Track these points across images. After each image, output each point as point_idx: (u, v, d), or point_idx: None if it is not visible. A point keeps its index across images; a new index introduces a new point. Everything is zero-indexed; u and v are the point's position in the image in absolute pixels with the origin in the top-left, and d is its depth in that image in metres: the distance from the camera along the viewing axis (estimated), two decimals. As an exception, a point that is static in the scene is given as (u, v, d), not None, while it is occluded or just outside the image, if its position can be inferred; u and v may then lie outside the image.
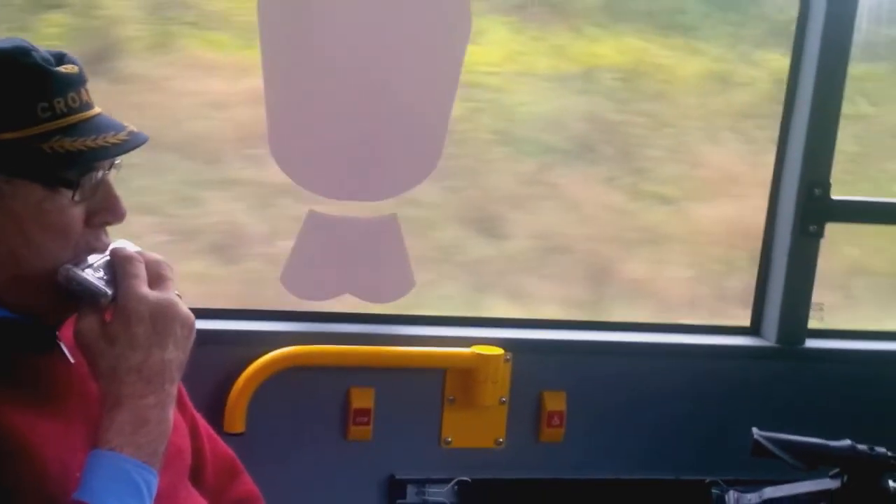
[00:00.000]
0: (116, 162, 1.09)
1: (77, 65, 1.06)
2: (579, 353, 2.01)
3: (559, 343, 2.01)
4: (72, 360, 1.09)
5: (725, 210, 2.32)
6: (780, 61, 2.18)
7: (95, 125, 1.05)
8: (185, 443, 1.21)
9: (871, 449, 1.50)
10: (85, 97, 1.06)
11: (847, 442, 1.51)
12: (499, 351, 1.90)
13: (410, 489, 1.93)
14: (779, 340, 2.10)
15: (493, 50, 2.10)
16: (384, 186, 1.88)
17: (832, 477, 1.51)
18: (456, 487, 1.94)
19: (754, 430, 1.56)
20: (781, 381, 2.08)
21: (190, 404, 1.29)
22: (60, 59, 1.06)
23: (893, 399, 2.04)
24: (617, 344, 2.04)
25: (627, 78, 2.25)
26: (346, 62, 1.79)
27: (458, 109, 1.86)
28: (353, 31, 1.79)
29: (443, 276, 2.13)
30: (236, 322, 1.88)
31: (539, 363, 1.96)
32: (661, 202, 2.25)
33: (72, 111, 1.03)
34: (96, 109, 1.08)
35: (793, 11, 2.06)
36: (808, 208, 2.05)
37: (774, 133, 2.10)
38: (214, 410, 1.75)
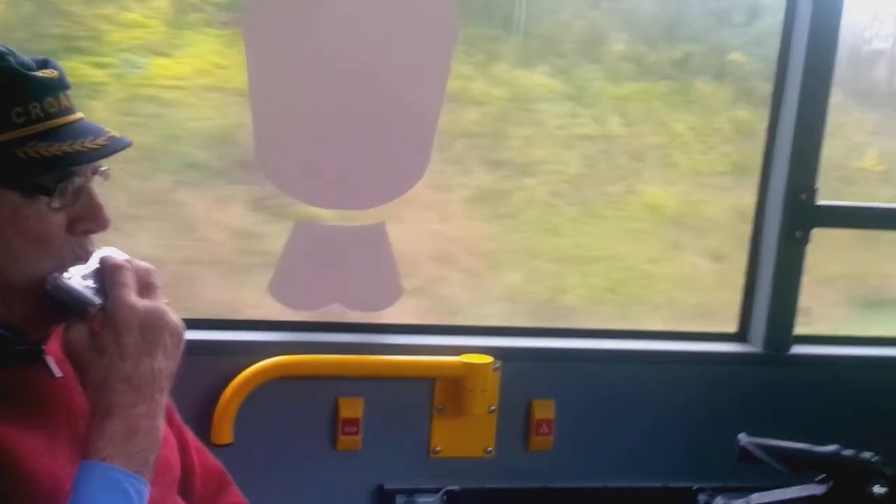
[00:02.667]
0: (102, 169, 1.08)
1: (58, 70, 1.05)
2: (567, 362, 2.01)
3: (547, 351, 2.01)
4: (57, 374, 1.08)
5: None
6: (529, 79, 2.14)
7: (74, 130, 1.03)
8: (174, 456, 1.20)
9: (857, 454, 1.51)
10: (64, 102, 1.04)
11: (833, 447, 1.52)
12: (487, 360, 1.90)
13: (399, 499, 1.92)
14: (765, 347, 2.11)
15: (187, 63, 1.98)
16: (372, 195, 1.88)
17: (818, 482, 1.52)
18: (445, 497, 1.93)
19: (741, 436, 1.57)
20: (768, 387, 2.09)
21: (178, 418, 1.29)
22: (43, 64, 1.04)
23: (879, 404, 2.05)
24: (605, 352, 2.05)
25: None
26: (332, 70, 1.80)
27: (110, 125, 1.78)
28: (339, 39, 1.79)
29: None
30: (223, 332, 1.87)
31: (527, 372, 1.96)
32: (308, 223, 2.08)
33: (49, 116, 1.02)
34: (77, 115, 1.06)
35: (571, 31, 2.06)
36: (793, 214, 2.06)
37: (487, 153, 2.07)
38: (202, 422, 1.75)
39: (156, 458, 1.01)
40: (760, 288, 2.12)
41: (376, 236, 1.89)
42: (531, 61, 2.18)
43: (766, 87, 2.10)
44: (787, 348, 2.12)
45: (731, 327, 2.17)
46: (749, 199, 2.12)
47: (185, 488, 1.24)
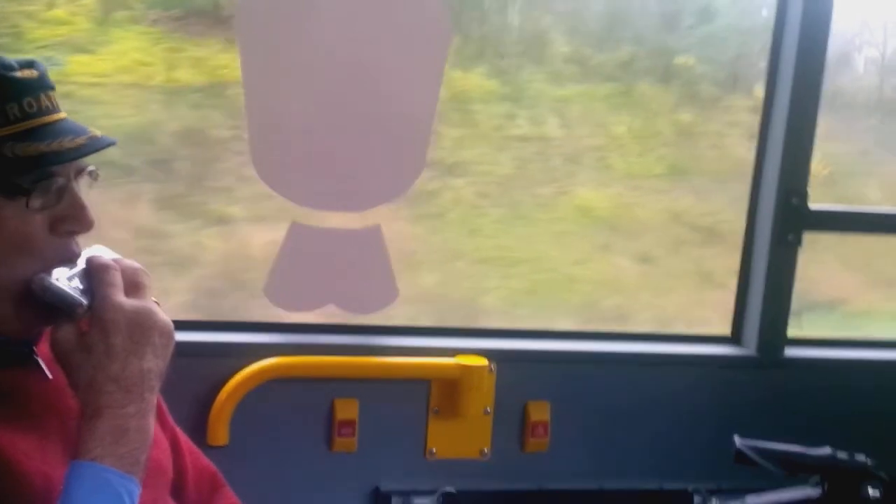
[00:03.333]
0: (90, 169, 1.08)
1: (40, 70, 1.05)
2: (563, 364, 2.02)
3: (543, 353, 2.01)
4: (49, 376, 1.08)
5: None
6: (467, 80, 2.11)
7: (53, 130, 1.03)
8: (166, 458, 1.20)
9: (851, 456, 1.52)
10: (45, 102, 1.04)
11: (827, 449, 1.53)
12: (483, 361, 1.90)
13: (395, 500, 1.92)
14: (759, 349, 2.11)
15: (109, 60, 1.96)
16: (368, 197, 1.88)
17: (813, 484, 1.53)
18: (441, 498, 1.93)
19: (736, 438, 1.57)
20: (762, 390, 2.09)
21: (170, 419, 1.29)
22: (28, 65, 1.04)
23: (872, 406, 2.05)
24: (600, 354, 2.05)
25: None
26: (327, 72, 1.80)
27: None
28: (334, 40, 1.79)
29: None
30: (218, 334, 1.87)
31: (523, 373, 1.96)
32: (217, 223, 2.04)
33: (28, 116, 1.01)
34: (60, 114, 1.06)
35: (513, 32, 2.05)
36: (785, 217, 2.07)
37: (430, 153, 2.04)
38: (197, 423, 1.75)
39: (147, 457, 1.01)
40: (753, 291, 2.13)
41: (372, 238, 1.90)
42: (470, 62, 2.15)
43: (713, 91, 2.07)
44: (781, 351, 2.13)
45: (650, 328, 2.16)
46: (685, 201, 2.09)
47: (177, 491, 1.24)
